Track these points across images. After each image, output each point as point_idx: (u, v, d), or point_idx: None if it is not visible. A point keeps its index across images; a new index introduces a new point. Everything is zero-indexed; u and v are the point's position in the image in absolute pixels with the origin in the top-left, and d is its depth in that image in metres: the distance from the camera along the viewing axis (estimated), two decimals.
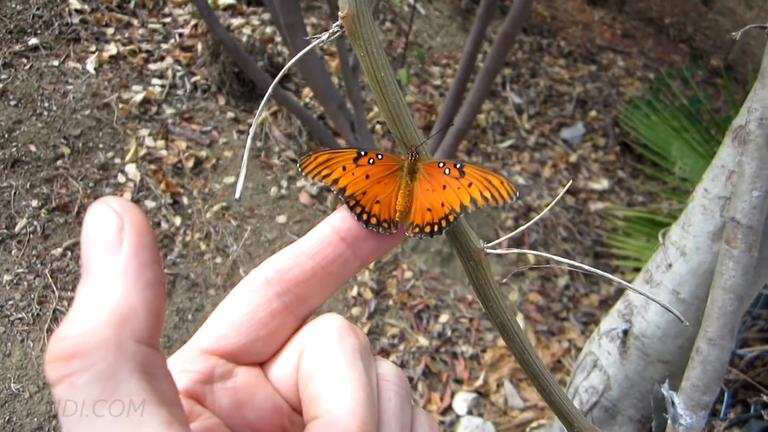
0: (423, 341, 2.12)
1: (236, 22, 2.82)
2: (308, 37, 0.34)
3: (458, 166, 0.35)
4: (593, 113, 3.49)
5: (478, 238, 0.37)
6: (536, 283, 2.49)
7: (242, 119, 2.53)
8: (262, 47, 2.65)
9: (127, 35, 2.58)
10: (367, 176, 0.36)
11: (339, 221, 0.33)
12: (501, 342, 2.20)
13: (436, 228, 0.35)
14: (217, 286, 2.04)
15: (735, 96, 2.50)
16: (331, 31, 0.33)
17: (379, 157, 0.36)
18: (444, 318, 2.22)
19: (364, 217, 0.34)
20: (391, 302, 2.21)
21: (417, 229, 0.35)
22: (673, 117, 2.40)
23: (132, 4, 2.71)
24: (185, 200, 2.21)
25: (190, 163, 2.30)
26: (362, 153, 0.36)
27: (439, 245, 2.41)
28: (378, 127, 2.71)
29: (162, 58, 2.58)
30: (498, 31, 2.00)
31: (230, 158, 2.39)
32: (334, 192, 0.35)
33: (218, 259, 2.10)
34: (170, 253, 2.06)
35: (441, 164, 0.35)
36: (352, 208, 0.34)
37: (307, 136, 2.56)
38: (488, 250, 0.37)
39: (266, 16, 2.87)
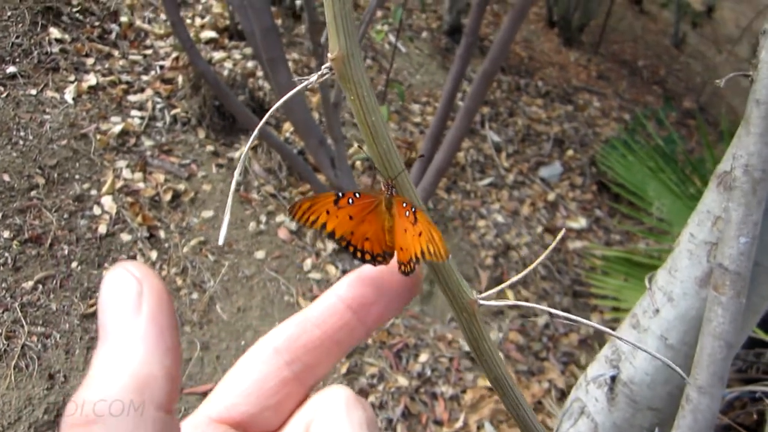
0: (402, 381, 2.09)
1: (218, 55, 2.83)
2: (296, 79, 0.33)
3: (413, 210, 0.34)
4: (570, 152, 3.54)
5: (471, 288, 0.36)
6: (516, 322, 2.47)
7: (222, 153, 2.51)
8: (243, 81, 2.65)
9: (107, 66, 2.56)
10: (351, 217, 0.36)
11: (344, 290, 0.34)
12: (481, 382, 2.17)
13: (407, 270, 0.34)
14: (193, 322, 1.99)
15: (708, 137, 2.56)
16: (320, 73, 0.32)
17: (357, 195, 0.36)
18: (424, 357, 2.19)
19: (359, 255, 0.34)
20: (370, 341, 2.17)
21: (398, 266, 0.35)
22: (648, 157, 2.43)
23: (113, 35, 2.70)
24: (162, 234, 2.17)
25: (168, 197, 2.26)
26: (340, 195, 0.36)
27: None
28: (358, 163, 2.71)
29: (142, 90, 2.56)
30: (477, 71, 2.02)
31: (209, 192, 2.36)
32: (325, 236, 0.35)
33: (194, 295, 2.06)
34: None
35: (404, 204, 0.34)
36: (345, 249, 0.34)
37: (287, 171, 2.54)
38: (482, 302, 0.36)
39: (248, 50, 2.89)
